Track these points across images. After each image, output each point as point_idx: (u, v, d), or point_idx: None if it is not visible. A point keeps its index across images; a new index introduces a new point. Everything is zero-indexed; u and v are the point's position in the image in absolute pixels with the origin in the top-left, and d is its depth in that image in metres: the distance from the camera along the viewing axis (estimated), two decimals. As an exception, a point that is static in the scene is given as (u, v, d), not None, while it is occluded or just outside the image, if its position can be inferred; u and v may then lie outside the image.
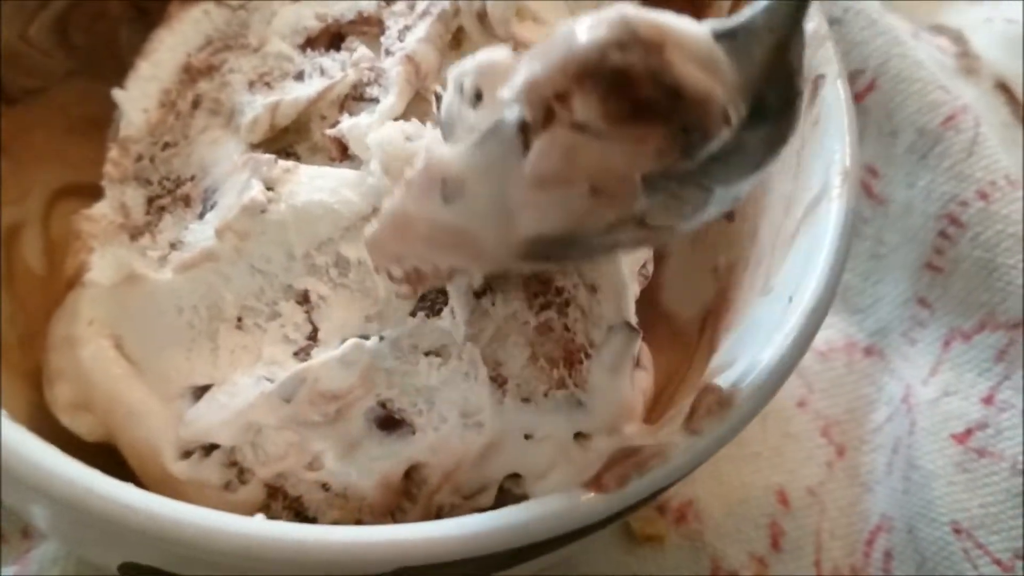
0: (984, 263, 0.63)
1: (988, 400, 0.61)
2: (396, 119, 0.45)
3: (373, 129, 0.44)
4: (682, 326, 0.57)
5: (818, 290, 0.43)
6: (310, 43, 0.51)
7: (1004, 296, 0.63)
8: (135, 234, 0.48)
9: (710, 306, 0.55)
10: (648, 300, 0.50)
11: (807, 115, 0.50)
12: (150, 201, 0.49)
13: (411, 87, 0.46)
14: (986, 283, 0.63)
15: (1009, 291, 0.63)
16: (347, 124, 0.45)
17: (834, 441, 0.63)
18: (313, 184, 0.44)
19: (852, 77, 0.67)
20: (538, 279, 0.44)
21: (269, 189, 0.44)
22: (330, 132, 0.45)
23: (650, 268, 0.48)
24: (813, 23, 0.51)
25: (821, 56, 0.51)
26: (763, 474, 0.61)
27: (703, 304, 0.55)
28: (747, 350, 0.45)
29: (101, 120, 0.63)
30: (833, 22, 0.68)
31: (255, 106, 0.47)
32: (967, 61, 0.74)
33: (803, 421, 0.64)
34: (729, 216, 0.56)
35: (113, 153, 0.51)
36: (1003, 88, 0.73)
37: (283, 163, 0.44)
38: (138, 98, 0.52)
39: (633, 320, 0.45)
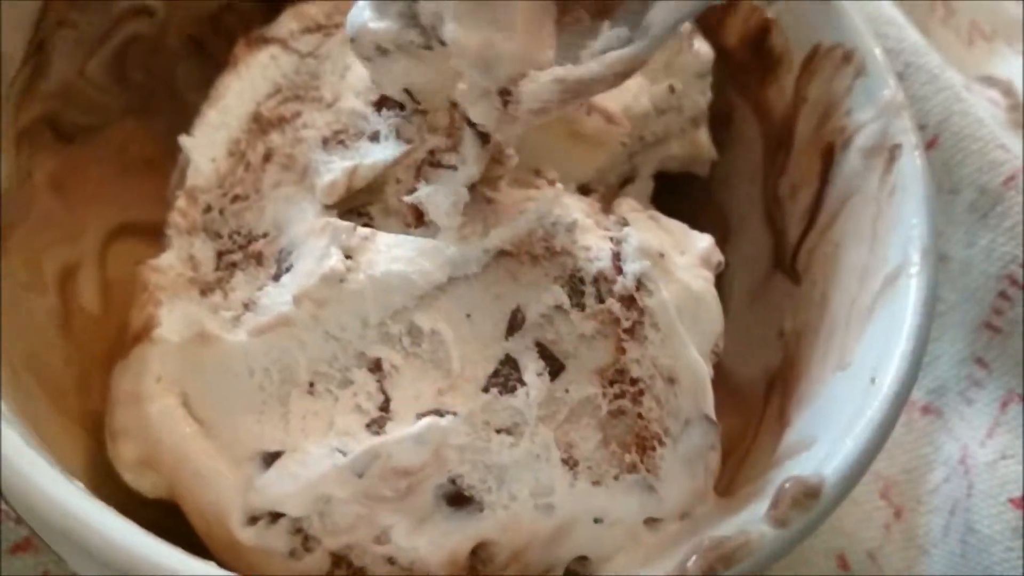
0: None
1: (1047, 463, 0.60)
2: (472, 186, 0.45)
3: (450, 198, 0.44)
4: (744, 388, 0.56)
5: (901, 372, 0.43)
6: (384, 100, 0.50)
7: None
8: (205, 289, 0.47)
9: (776, 372, 0.54)
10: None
11: (883, 185, 0.50)
12: (220, 255, 0.49)
13: (487, 154, 0.46)
14: None
15: None
16: (426, 192, 0.44)
17: (892, 502, 0.63)
18: (391, 253, 0.44)
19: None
20: (614, 368, 0.44)
21: (348, 257, 0.43)
22: (408, 199, 0.45)
23: (721, 344, 0.48)
24: (890, 91, 0.51)
25: (898, 125, 0.51)
26: (823, 538, 0.60)
27: (767, 368, 0.55)
28: (827, 431, 0.44)
29: (156, 160, 0.63)
30: (893, 76, 0.68)
31: (332, 168, 0.47)
32: (1017, 115, 0.74)
33: (863, 482, 0.63)
34: (795, 278, 0.55)
35: (180, 202, 0.51)
36: (1054, 142, 0.73)
37: (361, 230, 0.44)
38: (206, 146, 0.52)
39: (712, 414, 0.45)
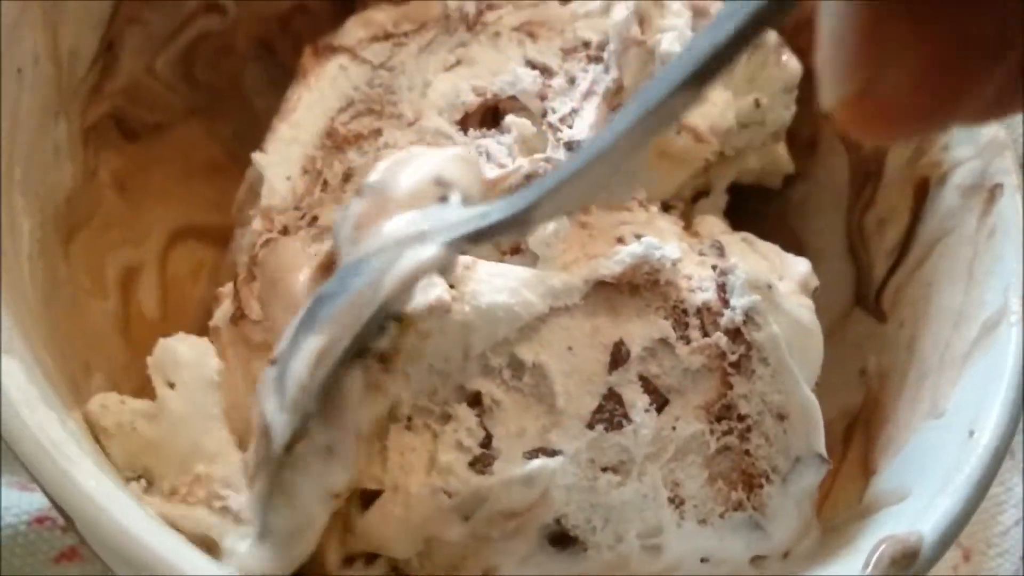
0: None
1: (1123, 516, 0.60)
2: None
3: (551, 225, 0.43)
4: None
5: (1001, 425, 0.43)
6: (468, 118, 0.49)
7: None
8: None
9: (857, 413, 0.54)
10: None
11: (982, 225, 0.49)
12: None
13: None
14: None
15: None
16: None
17: (962, 544, 0.62)
18: (493, 283, 0.43)
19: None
20: (721, 404, 0.44)
21: (451, 287, 0.43)
22: None
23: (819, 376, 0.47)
24: (991, 129, 0.50)
25: (999, 165, 0.50)
26: (892, 581, 0.59)
27: (847, 408, 0.55)
28: (921, 484, 0.44)
29: (220, 162, 0.63)
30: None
31: None
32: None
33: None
34: (879, 316, 0.54)
35: (256, 224, 0.50)
36: None
37: (463, 259, 0.43)
38: (279, 163, 0.51)
39: (824, 452, 0.44)
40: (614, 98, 0.50)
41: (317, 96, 0.53)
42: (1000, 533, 0.63)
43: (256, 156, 0.51)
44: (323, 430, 0.40)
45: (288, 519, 0.40)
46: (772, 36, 0.55)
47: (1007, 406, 0.43)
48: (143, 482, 0.43)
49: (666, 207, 0.52)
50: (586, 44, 0.52)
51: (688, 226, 0.50)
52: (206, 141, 0.64)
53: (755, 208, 0.61)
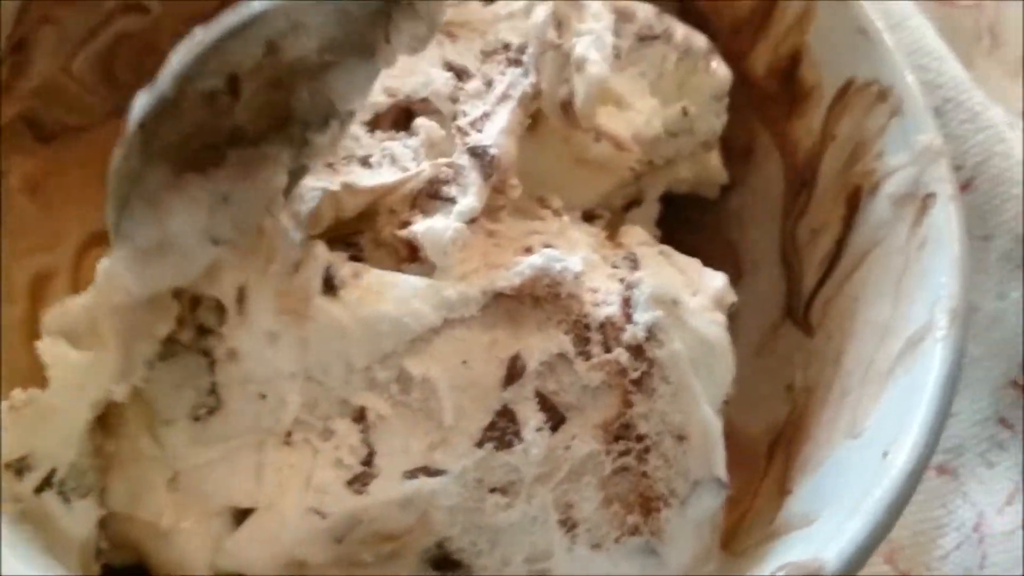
0: None
1: (1068, 539, 0.58)
2: (473, 220, 0.42)
3: (449, 233, 0.41)
4: (746, 441, 0.54)
5: (917, 448, 0.41)
6: (378, 120, 0.47)
7: None
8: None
9: (781, 429, 0.52)
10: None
11: (913, 236, 0.47)
12: None
13: (490, 185, 0.43)
14: None
15: None
16: (422, 227, 0.43)
17: (898, 567, 0.60)
18: (383, 292, 0.41)
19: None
20: (620, 423, 0.42)
21: (334, 291, 0.41)
22: (402, 234, 0.43)
23: (731, 394, 0.45)
24: (927, 135, 0.48)
25: (934, 173, 0.48)
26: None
27: (773, 424, 0.53)
28: (831, 507, 0.42)
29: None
30: (931, 113, 0.65)
31: (316, 195, 0.44)
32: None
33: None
34: (807, 330, 0.52)
35: None
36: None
37: (352, 265, 0.41)
38: None
39: (723, 475, 0.42)
40: (531, 103, 0.48)
41: None
42: (940, 557, 0.60)
43: None
44: None
45: (149, 230, 0.38)
46: (701, 41, 0.53)
47: (924, 427, 0.41)
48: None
49: (590, 216, 0.50)
50: (506, 46, 0.50)
51: (612, 236, 0.48)
52: (123, 140, 0.62)
53: (692, 218, 0.59)
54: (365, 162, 0.45)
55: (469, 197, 0.43)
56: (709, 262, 0.49)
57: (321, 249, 0.42)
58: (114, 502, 0.43)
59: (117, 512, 0.43)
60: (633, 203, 0.55)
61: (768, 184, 0.57)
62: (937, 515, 0.61)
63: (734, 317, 0.51)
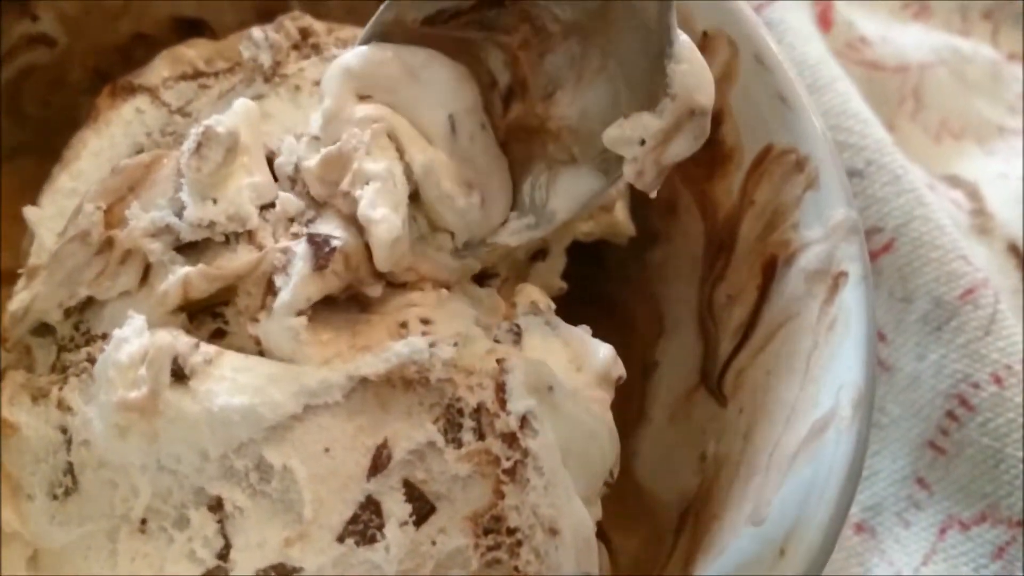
0: (992, 452, 0.59)
1: (982, 599, 0.56)
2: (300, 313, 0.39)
3: (286, 333, 0.39)
4: (657, 510, 0.51)
5: (814, 548, 0.38)
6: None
7: (1010, 490, 0.59)
8: (36, 396, 0.41)
9: (691, 501, 0.49)
10: (622, 469, 0.44)
11: (823, 315, 0.44)
12: (60, 352, 0.42)
13: (335, 277, 0.40)
14: (991, 473, 0.59)
15: (1016, 485, 0.59)
16: (263, 327, 0.39)
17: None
18: (236, 380, 0.37)
19: (868, 234, 0.62)
20: (490, 515, 0.38)
21: (183, 378, 0.37)
22: (249, 330, 0.39)
23: (616, 473, 0.42)
24: (842, 211, 0.45)
25: (847, 251, 0.44)
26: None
27: (684, 493, 0.50)
28: None
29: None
30: (853, 174, 0.63)
31: (174, 270, 0.39)
32: (982, 220, 0.70)
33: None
34: (720, 400, 0.50)
35: (20, 285, 0.43)
36: (1014, 251, 0.69)
37: (204, 350, 0.38)
38: (53, 217, 0.45)
39: (596, 574, 0.39)
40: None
41: (106, 142, 0.47)
42: (856, 617, 0.59)
43: (27, 210, 0.45)
44: None
45: None
46: None
47: (822, 526, 0.38)
48: None
49: (484, 275, 0.47)
50: None
51: (509, 293, 0.45)
52: (36, 179, 0.58)
53: (615, 271, 0.57)
54: (226, 240, 0.41)
55: (293, 290, 0.38)
56: (636, 318, 0.48)
57: (166, 337, 0.38)
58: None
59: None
60: (539, 255, 0.52)
61: (689, 242, 0.53)
62: (855, 573, 0.60)
63: (655, 374, 0.48)
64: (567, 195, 0.42)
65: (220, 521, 0.37)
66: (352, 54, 0.42)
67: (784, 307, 0.47)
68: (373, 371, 0.38)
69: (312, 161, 0.41)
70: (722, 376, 0.50)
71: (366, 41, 0.42)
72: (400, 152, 0.41)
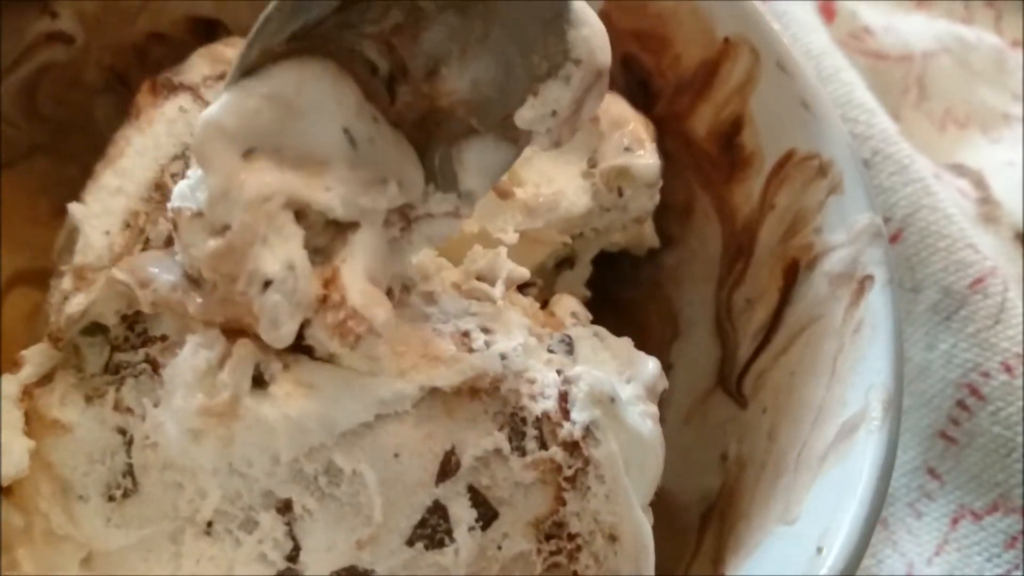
0: (1004, 441, 0.62)
1: (996, 590, 0.59)
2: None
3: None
4: (678, 510, 0.54)
5: (849, 547, 0.41)
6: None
7: (1021, 479, 0.61)
8: (91, 396, 0.43)
9: (715, 501, 0.52)
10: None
11: (848, 318, 0.47)
12: (112, 351, 0.43)
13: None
14: (1003, 462, 0.62)
15: None
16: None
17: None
18: (313, 387, 0.40)
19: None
20: (552, 520, 0.41)
21: (263, 384, 0.39)
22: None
23: (659, 484, 0.45)
24: (867, 215, 0.48)
25: (872, 255, 0.48)
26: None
27: (705, 494, 0.53)
28: None
29: (67, 202, 0.58)
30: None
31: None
32: (988, 208, 0.73)
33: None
34: (740, 401, 0.52)
35: (66, 283, 0.45)
36: (1021, 239, 0.72)
37: (283, 357, 0.40)
38: (99, 215, 0.47)
39: None
40: None
41: (151, 141, 0.48)
42: (869, 609, 0.61)
43: (72, 207, 0.47)
44: None
45: None
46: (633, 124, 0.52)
47: (857, 524, 0.41)
48: None
49: (524, 286, 0.49)
50: None
51: (545, 305, 0.48)
52: (51, 179, 0.60)
53: (626, 274, 0.59)
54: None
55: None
56: (649, 319, 0.48)
57: (247, 343, 0.40)
58: (23, 581, 0.41)
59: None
60: (565, 263, 0.55)
61: (705, 246, 0.56)
62: (867, 565, 0.62)
63: (668, 376, 0.50)
64: (478, 170, 0.41)
65: (288, 524, 0.40)
66: (221, 110, 0.39)
67: (807, 310, 0.50)
68: (447, 383, 0.41)
69: (201, 249, 0.39)
70: (742, 378, 0.53)
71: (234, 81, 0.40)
72: (303, 214, 0.39)
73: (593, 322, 0.48)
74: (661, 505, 0.50)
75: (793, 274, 0.51)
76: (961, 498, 0.62)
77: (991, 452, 0.61)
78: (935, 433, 0.63)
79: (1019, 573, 0.60)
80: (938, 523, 0.62)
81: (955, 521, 0.61)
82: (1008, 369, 0.62)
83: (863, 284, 0.47)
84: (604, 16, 0.40)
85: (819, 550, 0.42)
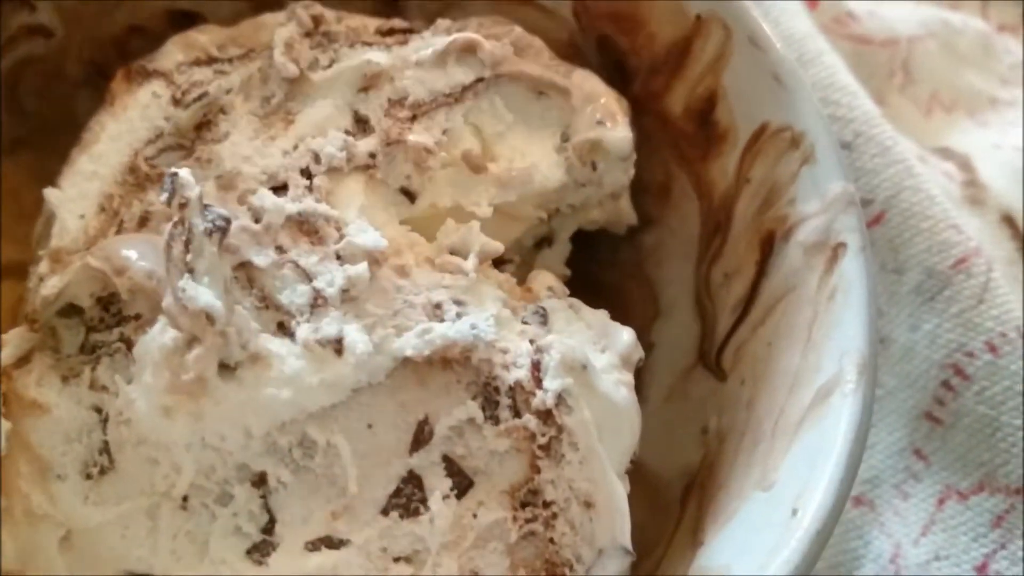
0: (988, 420, 0.62)
1: (982, 568, 0.60)
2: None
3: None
4: (661, 485, 0.55)
5: (825, 506, 0.42)
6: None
7: (1007, 458, 0.62)
8: (67, 376, 0.44)
9: (695, 474, 0.52)
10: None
11: (823, 286, 0.48)
12: (88, 331, 0.44)
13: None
14: (988, 442, 0.62)
15: (1013, 453, 0.61)
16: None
17: (813, 599, 0.61)
18: (282, 371, 0.41)
19: (858, 207, 0.65)
20: (527, 488, 0.42)
21: (232, 367, 0.40)
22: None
23: (637, 452, 0.45)
24: (839, 183, 0.49)
25: (844, 222, 0.48)
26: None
27: (686, 469, 0.53)
28: (743, 560, 0.43)
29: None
30: (842, 147, 0.66)
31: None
32: (974, 191, 0.73)
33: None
34: (719, 375, 0.53)
35: (43, 266, 0.47)
36: (1008, 222, 0.72)
37: (256, 345, 0.41)
38: (75, 199, 0.48)
39: (628, 544, 0.42)
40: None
41: (124, 126, 0.50)
42: (856, 589, 0.62)
43: (48, 192, 0.48)
44: None
45: None
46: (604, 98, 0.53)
47: (832, 485, 0.42)
48: None
49: (500, 262, 0.50)
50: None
51: (522, 279, 0.48)
52: (35, 173, 0.61)
53: (606, 255, 0.60)
54: None
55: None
56: (630, 299, 0.49)
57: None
58: (3, 561, 0.42)
59: (7, 572, 0.42)
60: (544, 241, 0.56)
61: (684, 224, 0.57)
62: (854, 546, 0.62)
63: (651, 355, 0.51)
64: None
65: (263, 496, 0.41)
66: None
67: (783, 281, 0.51)
68: (416, 353, 0.41)
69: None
70: (720, 352, 0.54)
71: None
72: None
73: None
74: (644, 483, 0.51)
75: (769, 246, 0.52)
76: (947, 478, 0.62)
77: (976, 432, 0.62)
78: (920, 414, 0.64)
79: (1005, 552, 0.60)
80: (924, 504, 0.62)
81: (941, 501, 0.62)
82: (992, 349, 0.62)
83: (836, 251, 0.48)
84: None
85: (794, 512, 0.42)
